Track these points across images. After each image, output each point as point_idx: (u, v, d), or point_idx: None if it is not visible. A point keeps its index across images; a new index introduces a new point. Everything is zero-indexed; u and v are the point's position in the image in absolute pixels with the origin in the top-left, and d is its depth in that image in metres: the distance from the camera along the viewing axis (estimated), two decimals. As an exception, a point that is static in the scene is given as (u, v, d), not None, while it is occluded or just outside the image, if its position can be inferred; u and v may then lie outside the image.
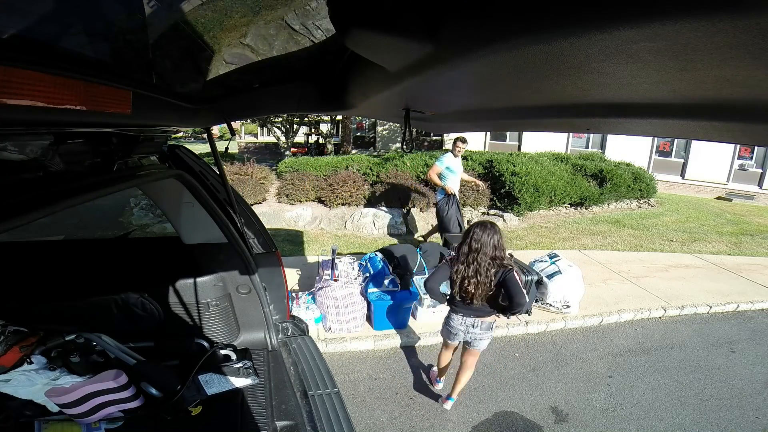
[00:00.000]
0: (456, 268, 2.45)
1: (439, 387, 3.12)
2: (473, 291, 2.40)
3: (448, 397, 2.90)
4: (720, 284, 5.37)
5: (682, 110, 0.69)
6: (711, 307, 4.70)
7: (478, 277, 2.37)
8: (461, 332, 2.60)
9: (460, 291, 2.46)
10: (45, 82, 0.60)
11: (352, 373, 3.31)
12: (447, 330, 2.68)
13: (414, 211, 7.39)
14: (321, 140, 18.48)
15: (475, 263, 2.37)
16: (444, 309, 3.42)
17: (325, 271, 3.84)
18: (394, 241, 6.40)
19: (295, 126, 15.30)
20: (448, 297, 2.64)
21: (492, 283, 2.38)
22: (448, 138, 15.16)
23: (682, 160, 13.85)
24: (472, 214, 7.54)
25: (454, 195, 5.26)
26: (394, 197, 7.37)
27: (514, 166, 8.10)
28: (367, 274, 3.96)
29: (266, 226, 2.40)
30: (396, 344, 3.71)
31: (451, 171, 5.28)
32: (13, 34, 0.55)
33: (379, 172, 8.30)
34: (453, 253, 2.58)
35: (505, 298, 2.39)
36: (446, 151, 6.08)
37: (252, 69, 1.15)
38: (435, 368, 3.18)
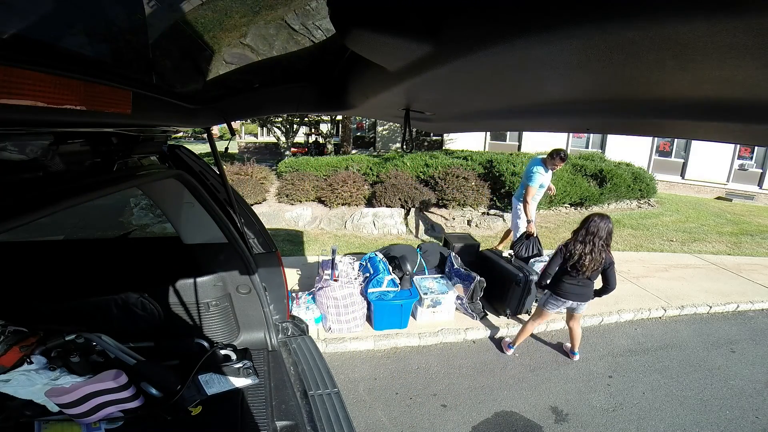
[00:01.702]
0: (573, 248, 3.04)
1: (510, 353, 3.64)
2: (587, 265, 2.99)
3: (573, 351, 3.61)
4: (720, 284, 5.37)
5: (682, 110, 0.69)
6: (711, 307, 4.70)
7: (593, 254, 2.98)
8: (564, 305, 3.27)
9: (576, 264, 3.04)
10: (45, 82, 0.60)
11: (352, 373, 3.31)
12: (552, 303, 3.28)
13: (414, 210, 7.40)
14: (321, 140, 18.48)
15: (591, 243, 2.97)
16: (442, 310, 3.98)
17: (325, 271, 3.84)
18: (397, 241, 6.40)
19: (295, 126, 15.30)
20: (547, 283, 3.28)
21: (603, 262, 3.00)
22: (448, 138, 15.18)
23: (682, 160, 13.86)
24: (472, 214, 7.54)
25: (535, 237, 4.67)
26: (394, 197, 7.37)
27: (514, 166, 8.10)
28: (367, 274, 3.96)
29: (266, 226, 2.40)
30: (396, 344, 3.71)
31: (541, 186, 4.75)
32: (13, 34, 0.55)
33: (379, 172, 8.30)
34: (557, 248, 3.17)
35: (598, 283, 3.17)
36: (533, 157, 5.20)
37: (252, 69, 1.15)
38: (508, 339, 3.78)
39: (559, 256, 3.13)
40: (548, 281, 3.24)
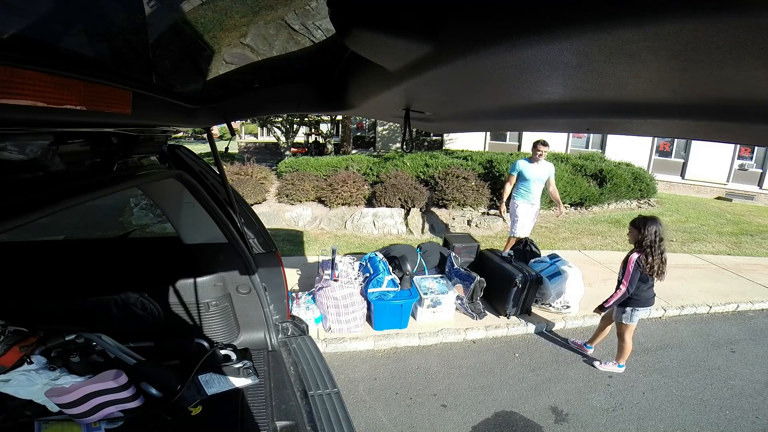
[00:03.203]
0: (653, 261, 3.04)
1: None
2: (665, 270, 3.09)
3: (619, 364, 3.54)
4: (720, 284, 5.37)
5: (682, 110, 0.70)
6: (711, 307, 4.70)
7: (663, 257, 3.08)
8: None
9: (658, 273, 3.09)
10: (45, 82, 0.60)
11: (352, 373, 3.31)
12: (636, 315, 3.26)
13: (414, 210, 7.39)
14: (321, 140, 18.48)
15: (663, 246, 3.07)
16: (442, 310, 3.99)
17: (325, 271, 3.84)
18: (397, 241, 6.40)
19: (295, 126, 15.29)
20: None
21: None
22: (448, 138, 15.18)
23: (682, 160, 13.86)
24: (472, 214, 7.54)
25: (530, 242, 4.75)
26: (394, 197, 7.38)
27: (514, 166, 8.10)
28: (367, 274, 3.96)
29: (266, 226, 2.40)
30: (396, 344, 3.71)
31: (524, 178, 4.83)
32: (13, 34, 0.55)
33: (379, 172, 8.30)
34: (636, 258, 3.09)
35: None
36: (521, 157, 5.62)
37: (252, 69, 1.15)
38: (578, 341, 3.86)
39: (637, 273, 3.08)
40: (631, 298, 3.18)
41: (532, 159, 4.86)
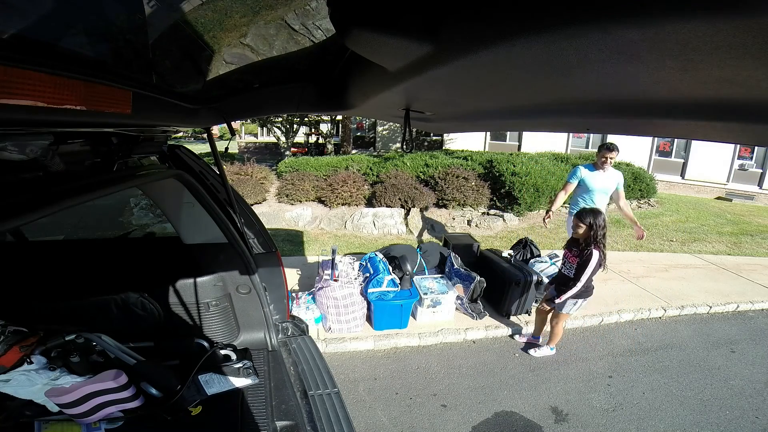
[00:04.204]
0: (605, 249, 3.07)
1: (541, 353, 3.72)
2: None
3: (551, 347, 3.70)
4: (720, 284, 5.37)
5: (682, 110, 0.70)
6: (711, 307, 4.70)
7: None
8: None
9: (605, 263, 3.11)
10: (45, 82, 0.60)
11: (352, 373, 3.31)
12: (579, 306, 3.30)
13: (414, 210, 7.40)
14: (321, 140, 18.48)
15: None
16: (442, 310, 4.02)
17: (325, 271, 3.84)
18: (397, 241, 6.40)
19: (295, 126, 15.29)
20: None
21: None
22: (448, 138, 15.18)
23: (682, 160, 13.86)
24: (472, 214, 7.53)
25: (530, 242, 4.37)
26: (394, 197, 7.37)
27: (514, 166, 8.10)
28: (367, 274, 3.96)
29: (266, 226, 2.40)
30: (396, 344, 3.71)
31: (587, 189, 4.02)
32: (13, 34, 0.55)
33: (379, 172, 8.30)
34: (598, 256, 3.04)
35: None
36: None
37: (252, 69, 1.15)
38: (532, 336, 3.90)
39: (597, 269, 3.05)
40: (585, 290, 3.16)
41: (596, 166, 4.02)
